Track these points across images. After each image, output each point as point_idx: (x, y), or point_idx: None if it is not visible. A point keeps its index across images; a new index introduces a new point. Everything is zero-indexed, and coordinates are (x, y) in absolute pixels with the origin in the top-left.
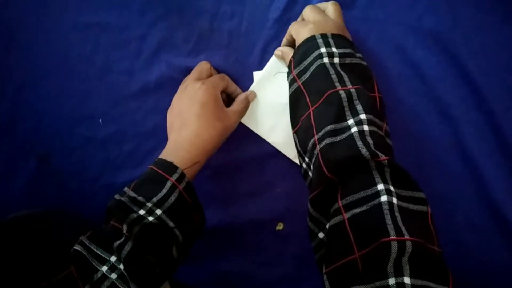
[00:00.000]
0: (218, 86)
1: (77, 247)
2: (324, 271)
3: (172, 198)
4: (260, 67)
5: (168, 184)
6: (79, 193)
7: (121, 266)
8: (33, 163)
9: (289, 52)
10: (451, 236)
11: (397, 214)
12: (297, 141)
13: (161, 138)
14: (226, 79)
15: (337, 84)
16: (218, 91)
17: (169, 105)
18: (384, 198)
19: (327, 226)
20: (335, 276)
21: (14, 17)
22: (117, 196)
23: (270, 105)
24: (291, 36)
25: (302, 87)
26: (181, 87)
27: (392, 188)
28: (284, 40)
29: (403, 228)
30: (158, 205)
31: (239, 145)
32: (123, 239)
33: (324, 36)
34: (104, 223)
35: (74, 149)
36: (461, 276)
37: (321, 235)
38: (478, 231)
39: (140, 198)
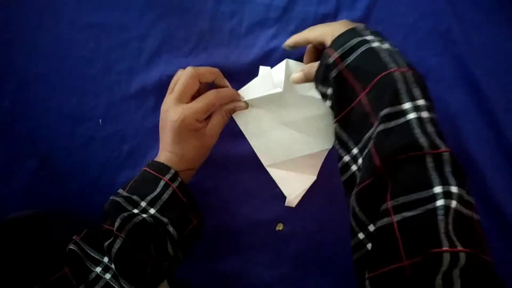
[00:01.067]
0: (197, 114)
1: (72, 246)
2: (367, 275)
3: (165, 196)
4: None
5: (162, 183)
6: (79, 193)
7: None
8: (33, 163)
9: (311, 72)
10: None
11: (452, 220)
12: (340, 131)
13: None
14: (211, 107)
15: (392, 65)
16: (195, 119)
17: None
18: (440, 202)
19: (369, 227)
20: (379, 282)
21: (14, 17)
22: (112, 197)
23: (265, 107)
24: (315, 40)
25: (346, 70)
26: (163, 107)
27: (453, 189)
28: (307, 55)
29: (455, 238)
30: (151, 203)
31: (239, 144)
32: (112, 238)
33: (364, 27)
34: (102, 224)
35: (74, 149)
36: None
37: (361, 235)
38: None
39: (134, 197)
